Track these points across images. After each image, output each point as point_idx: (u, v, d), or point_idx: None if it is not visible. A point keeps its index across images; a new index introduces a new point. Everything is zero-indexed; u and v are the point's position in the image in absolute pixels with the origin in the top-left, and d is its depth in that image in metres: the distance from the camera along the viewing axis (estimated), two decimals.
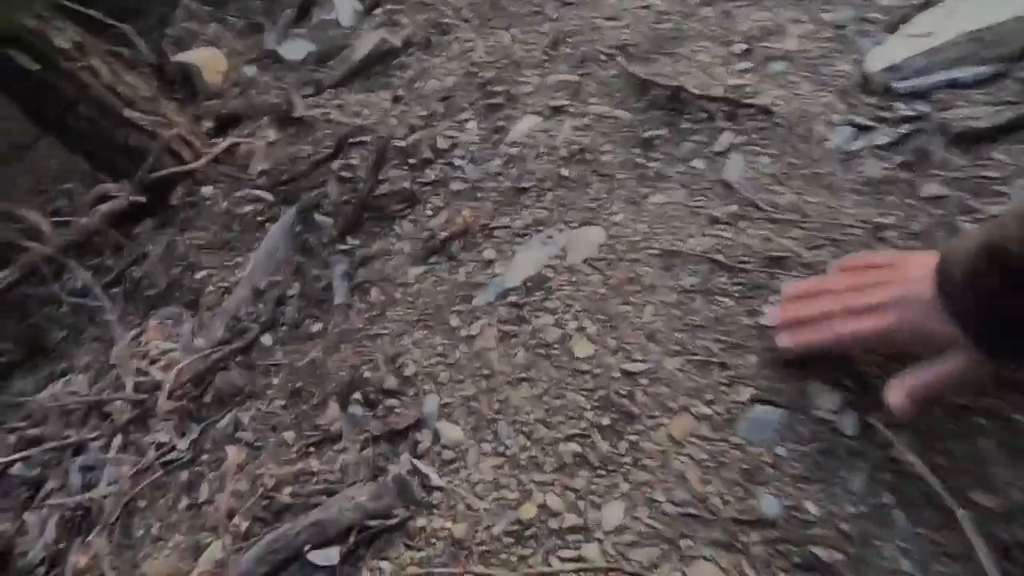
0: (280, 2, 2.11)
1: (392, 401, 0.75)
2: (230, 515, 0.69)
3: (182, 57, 1.90)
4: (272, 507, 0.68)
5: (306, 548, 0.61)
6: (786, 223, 0.71)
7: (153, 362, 0.99)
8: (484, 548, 0.56)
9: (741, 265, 0.68)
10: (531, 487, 0.59)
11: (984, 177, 0.66)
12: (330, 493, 0.66)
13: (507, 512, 0.58)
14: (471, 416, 0.68)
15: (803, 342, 0.54)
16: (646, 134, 0.94)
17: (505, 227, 0.91)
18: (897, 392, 0.47)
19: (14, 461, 0.96)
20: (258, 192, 1.21)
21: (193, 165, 1.27)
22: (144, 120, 1.25)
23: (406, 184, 1.10)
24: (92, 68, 1.21)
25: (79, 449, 0.93)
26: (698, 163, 0.84)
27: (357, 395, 0.77)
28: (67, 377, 1.09)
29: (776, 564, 0.47)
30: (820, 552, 0.47)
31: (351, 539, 0.61)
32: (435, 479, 0.63)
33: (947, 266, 0.45)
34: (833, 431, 0.52)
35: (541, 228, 0.88)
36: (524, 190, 0.96)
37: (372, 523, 0.61)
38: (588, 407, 0.62)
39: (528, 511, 0.57)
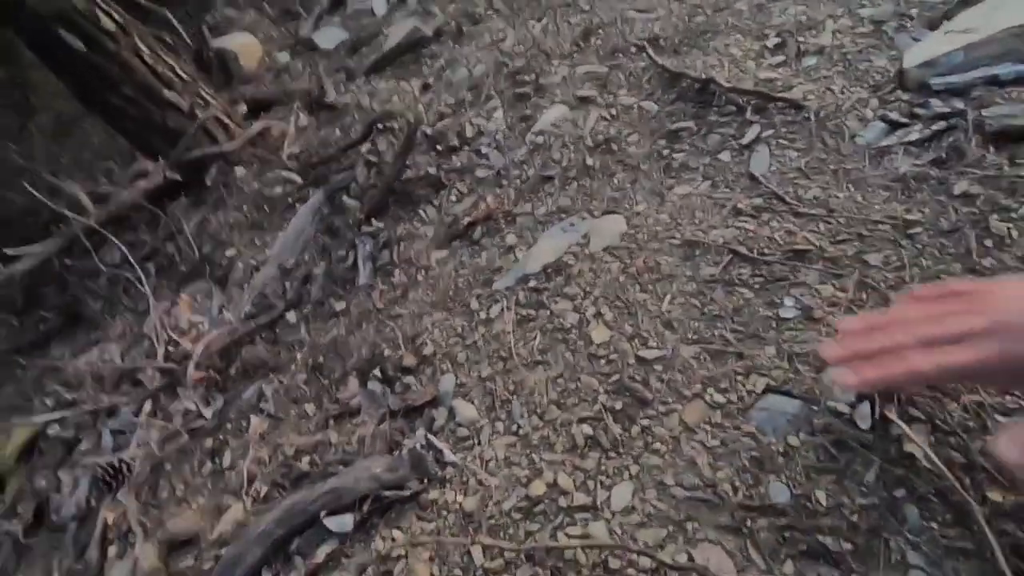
0: None
1: (410, 379, 0.77)
2: (251, 480, 0.72)
3: (220, 43, 1.95)
4: (291, 474, 0.70)
5: (322, 514, 0.63)
6: (810, 217, 0.70)
7: (183, 334, 1.02)
8: (493, 522, 0.57)
9: (763, 257, 0.67)
10: (542, 466, 0.59)
11: (1020, 176, 0.64)
12: (347, 463, 0.68)
13: (517, 488, 0.59)
14: (486, 396, 0.70)
15: (871, 380, 0.44)
16: (673, 126, 0.93)
17: (528, 214, 0.92)
18: (1013, 446, 0.38)
19: (51, 422, 1.00)
20: (288, 174, 1.24)
21: (227, 146, 1.31)
22: (182, 102, 1.29)
23: (432, 170, 1.12)
24: (136, 50, 1.25)
25: (111, 413, 0.97)
26: (724, 155, 0.84)
27: (376, 372, 0.79)
28: (101, 345, 1.13)
29: (783, 550, 0.47)
30: (828, 541, 0.47)
31: (365, 508, 0.63)
32: (448, 455, 0.65)
33: None
34: (848, 423, 0.52)
35: (563, 216, 0.88)
36: (548, 178, 0.96)
37: (386, 493, 0.63)
38: (602, 391, 0.63)
39: (538, 488, 0.58)
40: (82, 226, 1.14)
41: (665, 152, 0.90)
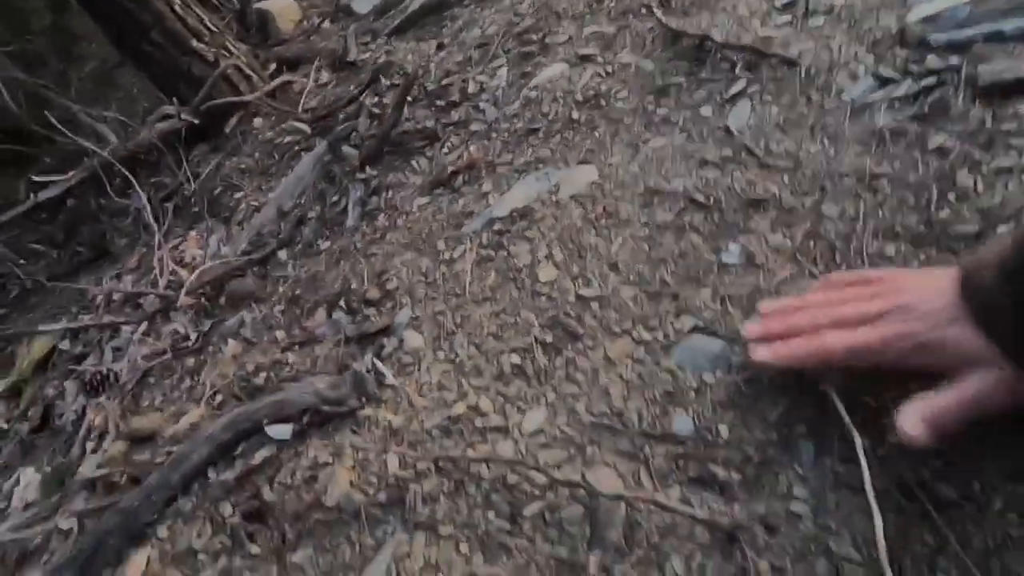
0: None
1: (371, 311, 0.79)
2: (213, 391, 0.76)
3: (261, 5, 2.03)
4: (248, 388, 0.74)
5: (265, 422, 0.66)
6: (776, 169, 0.68)
7: (184, 266, 1.08)
8: (414, 437, 0.59)
9: (718, 204, 0.66)
10: (468, 390, 0.61)
11: (1001, 131, 0.60)
12: (298, 381, 0.71)
13: (442, 409, 0.60)
14: (435, 328, 0.71)
15: (784, 355, 0.47)
16: (664, 82, 0.92)
17: (508, 164, 0.93)
18: (912, 417, 0.40)
19: (64, 339, 1.09)
20: (299, 124, 1.28)
21: (247, 97, 1.37)
22: (208, 52, 1.36)
23: (430, 123, 1.14)
24: (167, 0, 1.32)
25: (114, 332, 1.04)
26: (705, 110, 0.82)
27: (342, 303, 0.82)
28: (118, 274, 1.21)
29: (673, 476, 0.47)
30: (719, 471, 0.46)
31: (305, 420, 0.66)
32: (389, 378, 0.67)
33: (974, 267, 0.40)
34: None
35: (541, 166, 0.88)
36: (534, 131, 0.96)
37: (326, 408, 0.65)
38: (537, 325, 0.63)
39: (459, 409, 0.59)
40: (101, 160, 1.22)
41: (650, 107, 0.88)
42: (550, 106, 0.99)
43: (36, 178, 1.22)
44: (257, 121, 1.39)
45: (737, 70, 0.86)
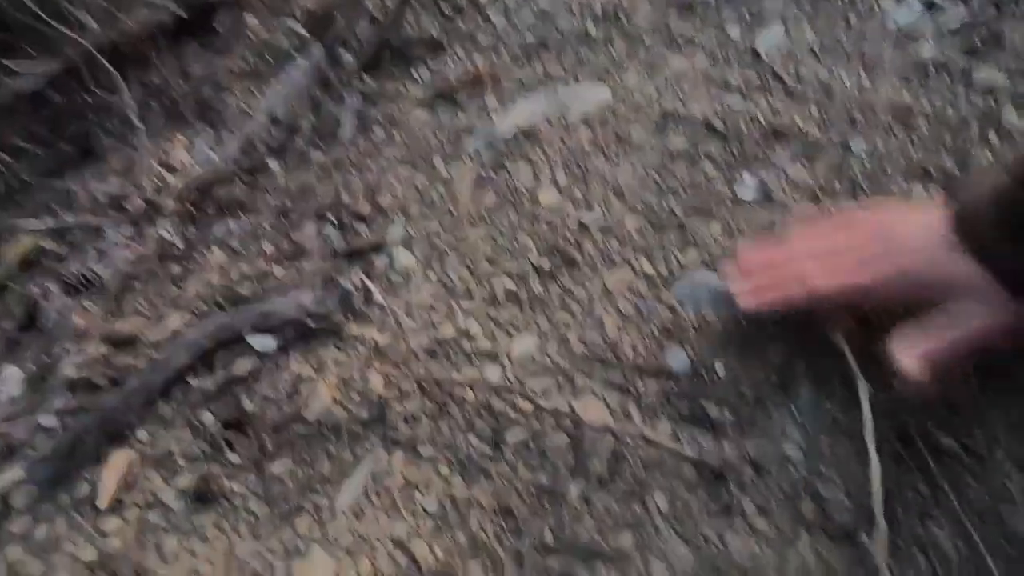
0: None
1: (362, 226, 0.76)
2: (196, 297, 0.74)
3: None
4: (231, 297, 0.72)
5: (247, 332, 0.64)
6: (804, 98, 0.63)
7: (172, 170, 1.03)
8: (399, 357, 0.57)
9: (737, 133, 0.61)
10: (458, 313, 0.58)
11: None
12: (283, 293, 0.69)
13: (429, 330, 0.58)
14: (428, 248, 0.68)
15: (768, 301, 0.45)
16: None
17: (515, 79, 0.86)
18: (908, 353, 0.38)
19: (48, 238, 1.05)
20: (294, 24, 1.19)
21: None
22: None
23: (434, 32, 1.06)
24: None
25: (98, 234, 1.01)
26: (732, 30, 0.75)
27: (332, 217, 0.78)
28: (103, 175, 1.16)
29: (663, 411, 0.46)
30: (712, 409, 0.44)
31: (288, 333, 0.64)
32: (377, 296, 0.64)
33: (965, 197, 0.37)
34: None
35: (550, 83, 0.82)
36: (545, 46, 0.89)
37: (310, 322, 0.63)
38: (535, 250, 0.60)
39: (447, 331, 0.57)
40: (82, 50, 1.15)
41: (672, 25, 0.81)
42: (565, 18, 0.92)
43: (11, 65, 1.14)
44: (249, 20, 1.30)
45: None
